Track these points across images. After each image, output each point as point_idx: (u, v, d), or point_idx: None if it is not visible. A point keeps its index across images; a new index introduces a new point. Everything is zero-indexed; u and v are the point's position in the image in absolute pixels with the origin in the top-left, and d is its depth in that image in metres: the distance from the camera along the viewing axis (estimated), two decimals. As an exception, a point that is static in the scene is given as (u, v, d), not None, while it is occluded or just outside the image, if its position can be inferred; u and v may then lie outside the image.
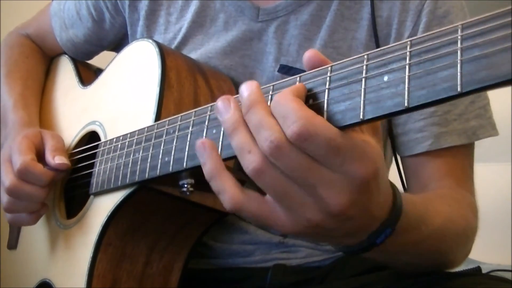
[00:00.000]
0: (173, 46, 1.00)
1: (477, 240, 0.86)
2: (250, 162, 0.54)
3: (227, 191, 0.57)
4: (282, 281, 0.97)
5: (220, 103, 0.58)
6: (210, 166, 0.58)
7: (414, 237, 0.66)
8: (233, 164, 0.62)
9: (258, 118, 0.54)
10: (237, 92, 0.59)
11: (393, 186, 0.61)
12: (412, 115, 0.92)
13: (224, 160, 0.64)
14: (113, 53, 1.08)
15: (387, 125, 0.94)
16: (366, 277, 0.92)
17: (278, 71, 0.95)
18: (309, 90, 0.56)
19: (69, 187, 1.02)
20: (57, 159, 0.93)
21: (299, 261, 0.98)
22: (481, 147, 0.97)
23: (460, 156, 0.93)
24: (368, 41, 0.93)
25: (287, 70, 0.94)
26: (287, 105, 0.52)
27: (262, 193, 0.57)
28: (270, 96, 0.60)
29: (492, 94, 0.98)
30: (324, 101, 0.54)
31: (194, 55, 0.98)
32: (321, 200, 0.53)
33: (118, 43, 1.12)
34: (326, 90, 0.54)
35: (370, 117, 0.51)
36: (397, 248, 0.65)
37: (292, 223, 0.56)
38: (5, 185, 0.92)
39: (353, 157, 0.52)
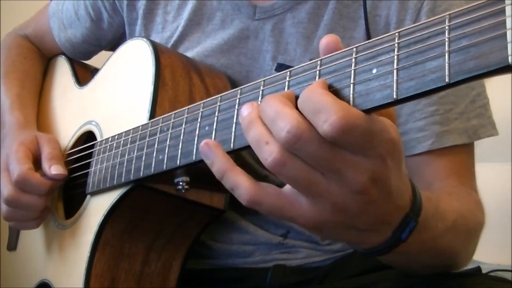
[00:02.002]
0: (170, 45, 1.00)
1: (477, 240, 0.85)
2: (269, 153, 0.52)
3: (241, 185, 0.55)
4: (282, 282, 0.96)
5: (243, 107, 0.56)
6: (218, 164, 0.56)
7: (432, 234, 0.65)
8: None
9: (273, 109, 0.51)
10: None
11: (410, 179, 0.60)
12: (413, 114, 0.91)
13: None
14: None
15: None
16: (366, 277, 0.91)
17: (275, 69, 0.94)
18: (299, 84, 0.56)
19: (68, 187, 1.02)
20: (53, 169, 0.93)
21: (299, 262, 0.98)
22: (481, 147, 0.96)
23: (462, 155, 0.92)
24: (366, 40, 0.93)
25: (284, 69, 0.93)
26: (321, 99, 0.50)
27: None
28: (261, 91, 0.60)
29: (492, 94, 0.98)
30: None
31: (190, 53, 0.98)
32: (344, 182, 0.52)
33: (116, 43, 1.12)
34: None
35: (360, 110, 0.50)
36: (417, 247, 0.64)
37: (315, 212, 0.54)
38: (4, 195, 0.93)
39: (382, 141, 0.51)
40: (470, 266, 0.81)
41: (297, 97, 0.54)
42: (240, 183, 0.55)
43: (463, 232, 0.74)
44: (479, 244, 0.84)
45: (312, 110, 0.50)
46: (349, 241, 0.61)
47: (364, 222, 0.56)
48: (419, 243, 0.63)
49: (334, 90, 0.52)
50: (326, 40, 0.55)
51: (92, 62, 1.19)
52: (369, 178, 0.52)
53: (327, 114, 0.48)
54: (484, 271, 0.83)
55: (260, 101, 0.59)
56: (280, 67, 0.94)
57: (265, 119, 0.52)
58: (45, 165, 0.94)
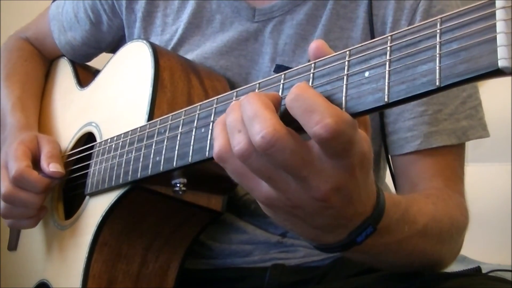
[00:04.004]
0: (169, 47, 1.01)
1: (477, 240, 0.85)
2: (237, 142, 0.53)
3: (219, 139, 0.56)
4: (280, 281, 0.96)
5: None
6: (222, 115, 0.57)
7: (396, 237, 0.66)
8: None
9: (252, 108, 0.52)
10: None
11: (377, 186, 0.61)
12: (402, 114, 0.91)
13: (212, 158, 0.64)
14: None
15: (379, 125, 0.93)
16: (364, 277, 0.91)
17: (274, 71, 0.95)
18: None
19: (68, 188, 1.02)
20: (51, 167, 0.93)
21: (298, 261, 0.98)
22: (481, 147, 0.96)
23: (450, 156, 0.92)
24: (363, 40, 0.93)
25: (283, 70, 0.93)
26: (314, 99, 0.50)
27: None
28: None
29: (492, 94, 0.97)
30: None
31: (190, 56, 0.98)
32: (307, 187, 0.53)
33: (116, 45, 1.13)
34: None
35: (351, 113, 0.51)
36: (380, 249, 0.65)
37: (270, 196, 0.55)
38: (1, 192, 0.93)
39: (356, 152, 0.51)
40: (470, 266, 0.81)
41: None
42: (219, 138, 0.56)
43: (435, 235, 0.74)
44: (479, 244, 0.84)
45: (304, 109, 0.50)
46: (302, 234, 0.62)
47: (319, 222, 0.57)
48: (381, 245, 0.63)
49: (326, 93, 0.53)
50: (315, 45, 0.55)
51: (94, 63, 1.19)
52: (332, 187, 0.52)
53: (320, 116, 0.49)
54: (484, 271, 0.83)
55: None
56: (279, 68, 0.94)
57: (243, 116, 0.53)
58: (44, 163, 0.94)
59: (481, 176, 0.94)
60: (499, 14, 0.42)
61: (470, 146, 0.95)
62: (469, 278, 0.77)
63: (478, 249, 0.86)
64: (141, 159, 0.77)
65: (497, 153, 1.75)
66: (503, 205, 1.69)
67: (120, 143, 0.83)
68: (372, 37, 0.92)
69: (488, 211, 0.86)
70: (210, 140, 0.64)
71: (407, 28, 0.49)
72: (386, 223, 0.61)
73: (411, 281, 0.78)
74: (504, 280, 0.79)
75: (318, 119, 0.49)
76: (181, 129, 0.69)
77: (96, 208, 0.87)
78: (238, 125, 0.53)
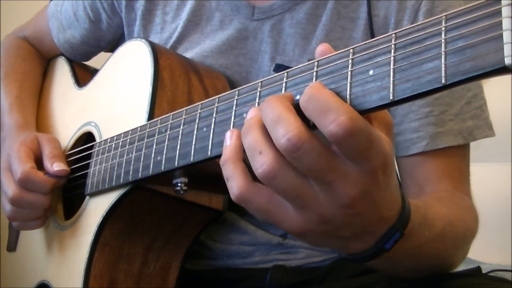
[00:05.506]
0: (169, 46, 1.00)
1: (477, 240, 0.85)
2: (260, 164, 0.51)
3: (236, 178, 0.54)
4: (281, 282, 0.96)
5: (249, 111, 0.56)
6: (227, 151, 0.55)
7: (418, 242, 0.65)
8: None
9: (275, 112, 0.51)
10: None
11: (401, 191, 0.60)
12: (407, 115, 0.91)
13: (214, 158, 0.64)
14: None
15: None
16: (365, 277, 0.91)
17: (273, 70, 0.94)
18: (296, 85, 0.56)
19: (68, 188, 1.02)
20: (55, 166, 0.93)
21: (299, 262, 0.98)
22: (481, 147, 0.96)
23: (457, 157, 0.91)
24: (365, 40, 0.92)
25: (282, 70, 0.93)
26: (328, 98, 0.49)
27: None
28: (258, 93, 0.59)
29: (492, 95, 0.97)
30: None
31: (189, 54, 0.98)
32: (334, 194, 0.52)
33: (115, 44, 1.12)
34: None
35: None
36: (402, 254, 0.63)
37: (301, 221, 0.54)
38: (8, 195, 0.93)
39: (378, 152, 0.51)
40: (470, 266, 0.81)
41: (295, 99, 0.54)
42: (236, 177, 0.54)
43: (451, 239, 0.74)
44: (479, 244, 0.84)
45: (319, 109, 0.49)
46: (331, 246, 0.60)
47: (346, 232, 0.56)
48: (404, 251, 0.62)
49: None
50: (321, 49, 0.55)
51: (92, 63, 1.19)
52: (358, 192, 0.52)
53: (335, 115, 0.48)
54: (484, 271, 0.83)
55: (258, 103, 0.59)
56: (278, 68, 0.94)
57: (265, 121, 0.52)
58: (47, 163, 0.94)
59: (481, 176, 0.93)
60: (505, 12, 0.42)
61: (470, 146, 0.95)
62: (469, 278, 0.77)
63: (478, 249, 0.86)
64: (141, 159, 0.76)
65: (497, 153, 1.75)
66: (503, 205, 1.70)
67: (120, 143, 0.83)
68: (372, 38, 0.91)
69: (488, 211, 0.86)
70: (212, 139, 0.64)
71: (412, 25, 0.48)
72: (411, 228, 0.60)
73: (412, 281, 0.78)
74: (504, 280, 0.79)
75: (332, 118, 0.48)
76: (183, 128, 0.69)
77: (96, 208, 0.87)
78: (258, 146, 0.52)
